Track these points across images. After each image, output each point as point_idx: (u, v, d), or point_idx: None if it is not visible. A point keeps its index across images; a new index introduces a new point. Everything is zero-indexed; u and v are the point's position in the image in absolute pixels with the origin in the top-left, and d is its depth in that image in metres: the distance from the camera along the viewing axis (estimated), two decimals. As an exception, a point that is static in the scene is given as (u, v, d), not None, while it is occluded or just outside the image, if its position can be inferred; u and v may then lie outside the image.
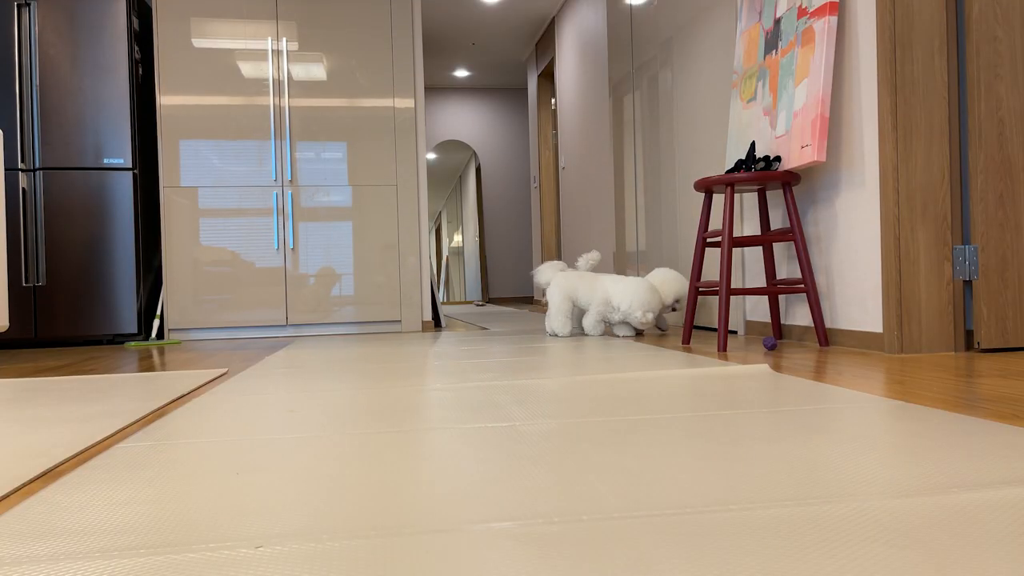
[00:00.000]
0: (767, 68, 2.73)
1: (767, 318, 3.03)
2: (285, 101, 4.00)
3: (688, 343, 2.82)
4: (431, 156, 9.44)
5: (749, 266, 3.18)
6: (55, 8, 3.70)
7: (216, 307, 3.94)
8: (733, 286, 3.22)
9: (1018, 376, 1.71)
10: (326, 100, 4.07)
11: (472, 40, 7.10)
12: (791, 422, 1.24)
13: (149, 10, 3.99)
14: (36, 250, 3.67)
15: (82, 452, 1.18)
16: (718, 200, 3.27)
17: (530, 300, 8.73)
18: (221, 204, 3.96)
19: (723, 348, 2.51)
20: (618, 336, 3.25)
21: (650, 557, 0.66)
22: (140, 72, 3.90)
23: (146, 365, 2.67)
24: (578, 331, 3.48)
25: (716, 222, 3.29)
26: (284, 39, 4.02)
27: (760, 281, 3.07)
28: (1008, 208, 2.23)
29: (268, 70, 3.99)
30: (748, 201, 3.13)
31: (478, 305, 8.59)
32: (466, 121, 8.80)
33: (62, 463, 1.11)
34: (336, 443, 1.20)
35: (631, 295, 3.21)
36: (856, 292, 2.43)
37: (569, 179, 6.08)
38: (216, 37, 3.98)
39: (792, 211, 2.55)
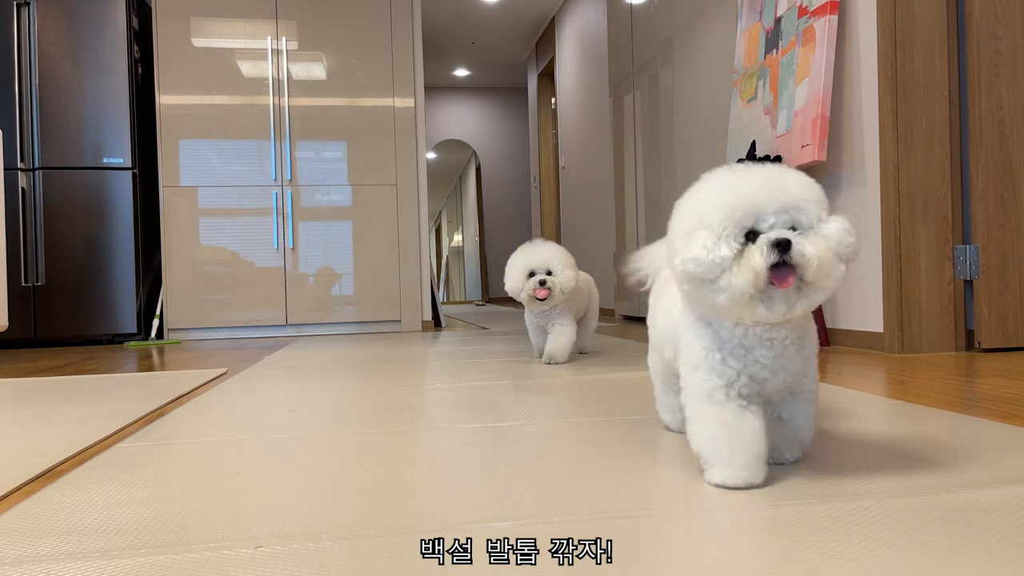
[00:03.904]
0: (767, 67, 2.72)
1: (767, 318, 3.02)
2: (285, 100, 4.00)
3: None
4: (431, 156, 9.44)
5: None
6: (54, 8, 3.70)
7: (216, 307, 3.94)
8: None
9: (1018, 376, 1.70)
10: (326, 100, 4.07)
11: (472, 39, 7.09)
12: (791, 422, 1.24)
13: (149, 9, 3.99)
14: (35, 250, 3.67)
15: (82, 452, 1.18)
16: (718, 200, 3.27)
17: (530, 300, 8.72)
18: (221, 204, 3.96)
19: (723, 348, 2.49)
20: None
21: (650, 557, 0.66)
22: (140, 71, 3.90)
23: (145, 365, 2.67)
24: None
25: (716, 222, 3.29)
26: (284, 38, 4.01)
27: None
28: (1009, 208, 2.23)
29: (268, 69, 3.99)
30: (748, 201, 3.12)
31: (478, 305, 8.59)
32: (466, 121, 8.79)
33: (61, 463, 1.11)
34: (336, 443, 1.20)
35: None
36: (857, 292, 2.43)
37: (569, 179, 6.08)
38: (216, 36, 3.98)
39: (792, 210, 2.54)
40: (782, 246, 0.80)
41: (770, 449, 0.89)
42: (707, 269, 0.82)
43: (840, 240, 0.83)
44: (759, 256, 0.80)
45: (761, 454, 0.86)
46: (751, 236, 0.82)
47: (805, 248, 0.80)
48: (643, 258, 1.18)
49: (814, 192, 0.85)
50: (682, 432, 1.06)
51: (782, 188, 0.84)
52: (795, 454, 0.95)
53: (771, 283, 0.80)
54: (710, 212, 0.84)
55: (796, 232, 0.82)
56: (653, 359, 1.16)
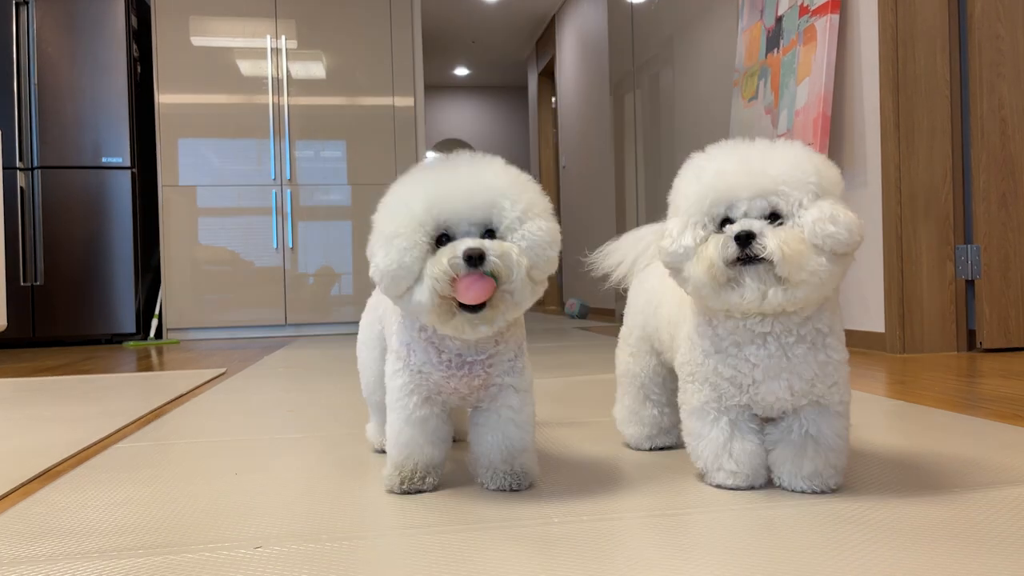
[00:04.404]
0: (768, 66, 2.72)
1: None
2: (284, 99, 3.99)
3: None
4: (431, 155, 9.43)
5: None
6: (54, 7, 3.69)
7: (215, 307, 3.93)
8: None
9: (1020, 376, 1.70)
10: (325, 98, 4.06)
11: (472, 38, 7.09)
12: (793, 422, 1.24)
13: (148, 8, 3.99)
14: (34, 249, 3.66)
15: (80, 452, 1.18)
16: (718, 199, 3.27)
17: (530, 299, 8.72)
18: (220, 203, 3.95)
19: (723, 347, 2.49)
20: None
21: (650, 556, 0.66)
22: (139, 70, 3.89)
23: (144, 365, 2.67)
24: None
25: (716, 221, 3.29)
26: (283, 37, 4.01)
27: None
28: (1011, 207, 2.23)
29: (267, 68, 3.98)
30: (748, 200, 3.12)
31: (478, 304, 8.57)
32: (466, 120, 8.79)
33: (60, 463, 1.11)
34: (335, 443, 1.19)
35: None
36: (858, 291, 2.43)
37: (570, 178, 6.07)
38: (215, 35, 3.97)
39: (793, 210, 2.54)
40: (741, 239, 0.74)
41: (810, 475, 0.82)
42: (673, 259, 0.80)
43: (815, 230, 0.75)
44: (713, 247, 0.76)
45: (760, 465, 0.84)
46: (726, 224, 0.77)
47: (767, 241, 0.73)
48: (612, 254, 1.09)
49: (800, 174, 0.77)
50: (641, 449, 1.06)
51: (759, 171, 0.77)
52: (837, 480, 0.83)
53: (739, 259, 0.75)
54: (681, 200, 0.81)
55: (777, 220, 0.76)
56: (628, 359, 1.04)
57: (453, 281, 0.74)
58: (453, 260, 0.74)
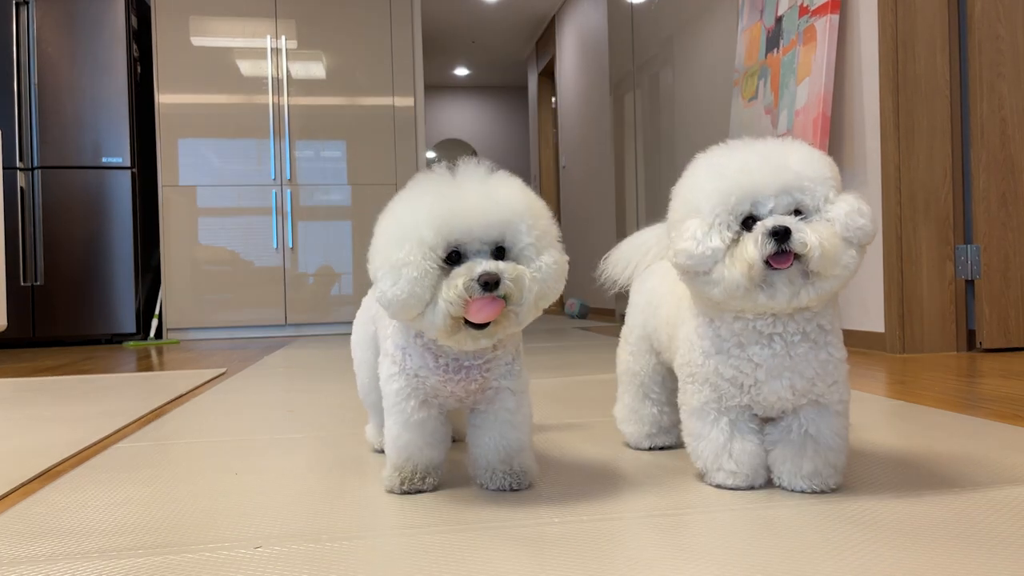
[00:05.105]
0: (768, 66, 2.72)
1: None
2: (284, 99, 3.99)
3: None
4: (431, 155, 9.43)
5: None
6: (54, 7, 3.69)
7: (215, 307, 3.93)
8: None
9: (1020, 376, 1.70)
10: (325, 98, 4.06)
11: (472, 38, 7.08)
12: (792, 422, 1.24)
13: (148, 8, 3.98)
14: (34, 249, 3.66)
15: (80, 452, 1.18)
16: (718, 199, 3.26)
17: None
18: (220, 203, 3.95)
19: (723, 347, 2.48)
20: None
21: (650, 556, 0.66)
22: (139, 70, 3.89)
23: (144, 365, 2.67)
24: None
25: (716, 221, 3.28)
26: (283, 37, 4.01)
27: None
28: (1011, 207, 2.23)
29: (267, 68, 3.98)
30: (748, 200, 3.12)
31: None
32: (466, 120, 8.78)
33: (60, 463, 1.11)
34: (335, 443, 1.19)
35: None
36: (857, 292, 2.43)
37: (570, 178, 6.07)
38: (215, 35, 3.97)
39: (793, 210, 2.54)
40: (779, 235, 0.72)
41: (810, 475, 0.82)
42: (698, 262, 0.76)
43: (847, 223, 0.75)
44: (752, 247, 0.73)
45: (759, 465, 0.84)
46: (749, 222, 0.75)
47: (806, 236, 0.73)
48: (613, 258, 1.09)
49: (820, 169, 0.78)
50: (641, 448, 1.06)
51: (782, 167, 0.76)
52: (837, 479, 0.83)
53: (768, 263, 0.73)
54: (700, 198, 0.78)
55: (799, 216, 0.76)
56: (628, 358, 1.04)
57: (466, 303, 0.74)
58: (469, 284, 0.74)
